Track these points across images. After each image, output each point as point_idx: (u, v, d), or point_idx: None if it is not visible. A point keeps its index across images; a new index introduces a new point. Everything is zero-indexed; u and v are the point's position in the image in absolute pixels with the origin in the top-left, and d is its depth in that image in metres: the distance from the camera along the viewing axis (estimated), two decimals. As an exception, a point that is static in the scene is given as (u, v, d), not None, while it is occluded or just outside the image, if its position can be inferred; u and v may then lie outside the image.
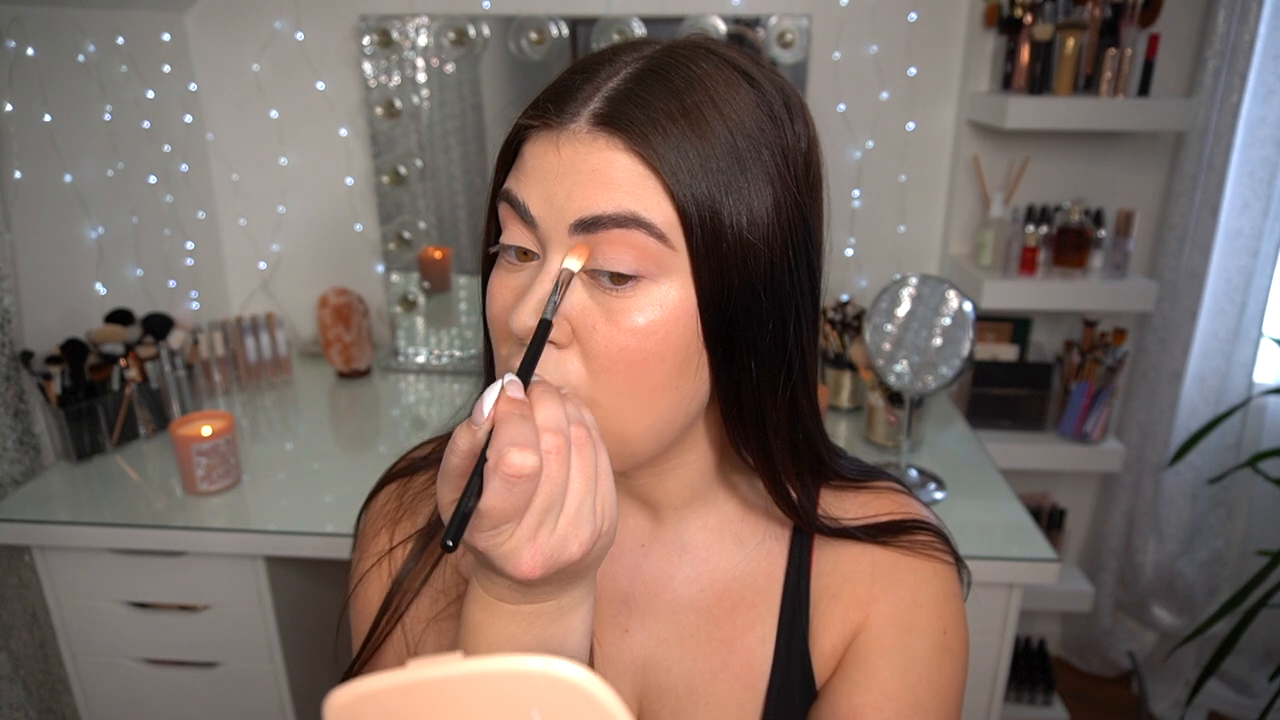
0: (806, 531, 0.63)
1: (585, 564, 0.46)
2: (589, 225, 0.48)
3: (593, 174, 0.48)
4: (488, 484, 0.41)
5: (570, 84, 0.50)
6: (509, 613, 0.47)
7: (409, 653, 0.64)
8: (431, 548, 0.65)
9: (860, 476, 0.65)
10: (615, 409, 0.51)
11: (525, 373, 0.46)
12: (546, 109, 0.50)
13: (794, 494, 0.59)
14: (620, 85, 0.49)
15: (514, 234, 0.52)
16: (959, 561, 0.64)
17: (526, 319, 0.48)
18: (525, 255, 0.52)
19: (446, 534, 0.41)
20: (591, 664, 0.61)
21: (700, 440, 0.59)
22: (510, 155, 0.53)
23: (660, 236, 0.48)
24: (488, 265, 0.56)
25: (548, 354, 0.50)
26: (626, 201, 0.48)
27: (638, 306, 0.49)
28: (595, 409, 0.51)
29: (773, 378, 0.54)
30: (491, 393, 0.44)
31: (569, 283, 0.49)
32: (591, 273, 0.49)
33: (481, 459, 0.42)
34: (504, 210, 0.52)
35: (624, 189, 0.48)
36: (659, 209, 0.48)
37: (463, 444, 0.44)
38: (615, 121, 0.48)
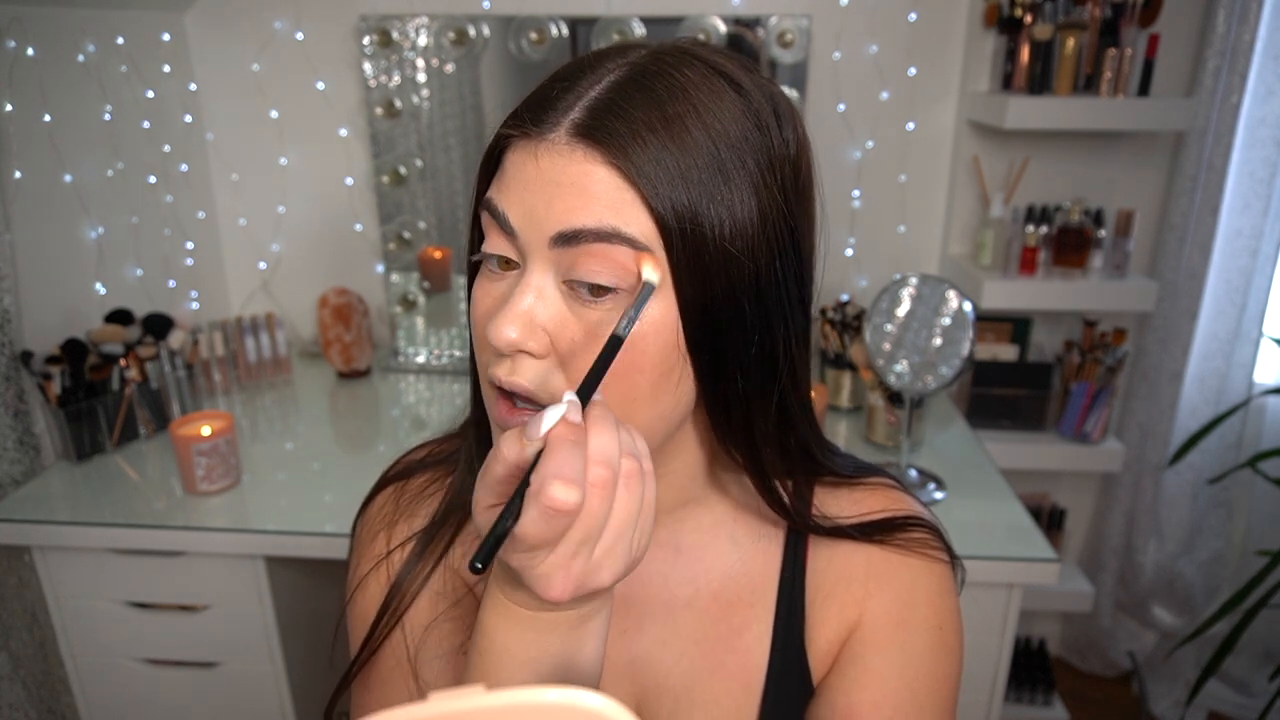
0: (800, 531, 0.63)
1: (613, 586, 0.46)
2: (569, 239, 0.48)
3: (571, 186, 0.47)
4: (526, 510, 0.41)
5: (550, 92, 0.50)
6: (527, 619, 0.47)
7: (409, 656, 0.64)
8: (431, 550, 0.64)
9: (855, 473, 0.65)
10: None
11: (588, 391, 0.45)
12: (525, 119, 0.49)
13: (784, 495, 0.59)
14: (601, 94, 0.48)
15: (495, 243, 0.51)
16: (953, 557, 0.64)
17: (504, 331, 0.48)
18: (507, 264, 0.51)
19: (477, 555, 0.40)
20: None
21: (689, 444, 0.59)
22: (492, 163, 0.53)
23: (642, 250, 0.48)
24: (472, 272, 0.56)
25: (526, 363, 0.50)
26: (607, 215, 0.47)
27: (616, 319, 0.48)
28: None
29: (761, 388, 0.54)
30: (554, 412, 0.43)
31: (648, 297, 0.48)
32: (570, 284, 0.49)
33: (525, 480, 0.41)
34: (485, 219, 0.52)
35: (603, 202, 0.47)
36: (638, 222, 0.47)
37: (509, 454, 0.43)
38: (594, 133, 0.47)
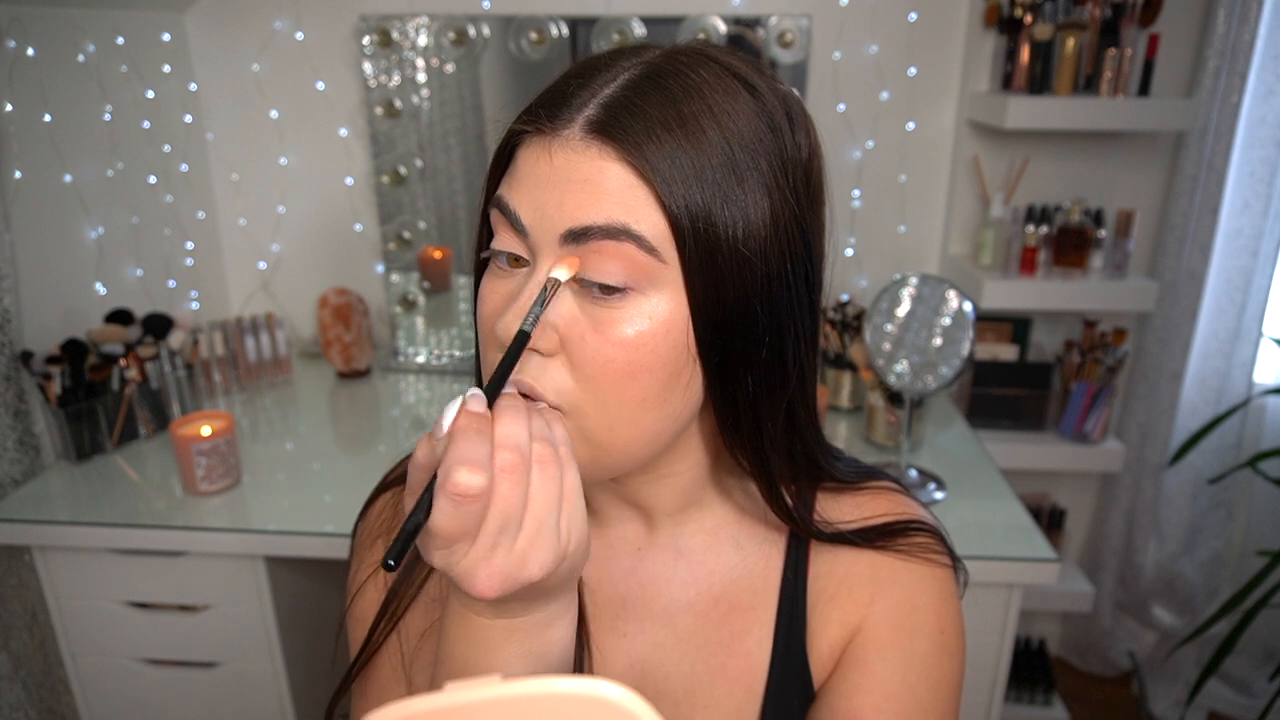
0: (802, 536, 0.63)
1: (552, 583, 0.45)
2: (578, 236, 0.47)
3: (584, 183, 0.47)
4: (435, 503, 0.40)
5: (565, 89, 0.49)
6: (484, 626, 0.47)
7: (404, 662, 0.64)
8: None
9: (857, 478, 0.65)
10: (602, 419, 0.50)
11: (497, 384, 0.45)
12: (540, 115, 0.49)
13: (789, 500, 0.59)
14: (616, 92, 0.48)
15: (505, 240, 0.51)
16: (956, 561, 0.64)
17: (513, 326, 0.48)
18: (516, 261, 0.51)
19: (389, 553, 0.40)
20: (590, 670, 0.61)
21: (694, 447, 0.59)
22: (504, 160, 0.52)
23: (650, 250, 0.47)
24: (479, 269, 0.56)
25: (534, 361, 0.50)
26: (617, 213, 0.47)
27: (626, 318, 0.48)
28: (582, 419, 0.50)
29: (770, 392, 0.54)
30: (453, 406, 0.43)
31: (554, 294, 0.48)
32: (581, 282, 0.49)
33: (434, 477, 0.41)
34: (495, 216, 0.51)
35: (615, 199, 0.47)
36: (650, 220, 0.47)
37: (421, 457, 0.43)
38: (609, 130, 0.47)
